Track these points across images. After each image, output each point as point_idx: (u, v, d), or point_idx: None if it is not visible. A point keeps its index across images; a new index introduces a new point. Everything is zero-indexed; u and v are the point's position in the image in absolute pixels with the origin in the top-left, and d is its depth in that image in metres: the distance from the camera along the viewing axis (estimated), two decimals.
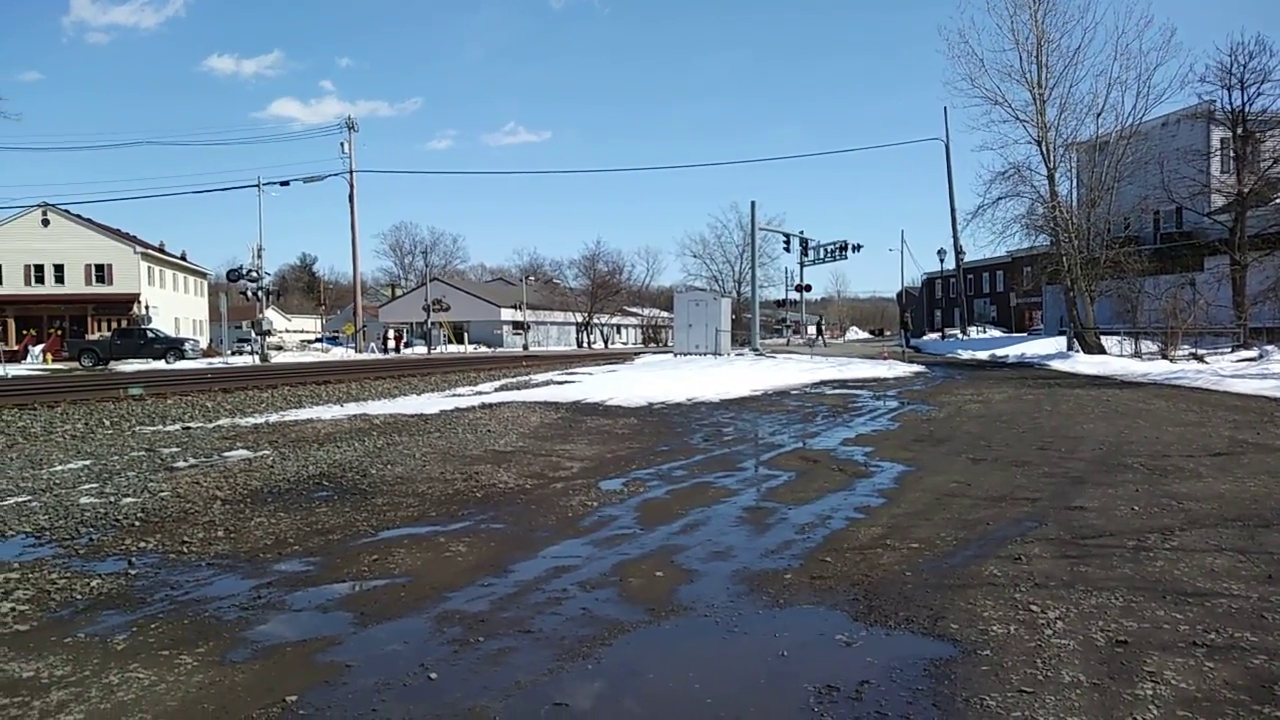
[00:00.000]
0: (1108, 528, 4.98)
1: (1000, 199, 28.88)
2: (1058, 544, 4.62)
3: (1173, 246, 33.13)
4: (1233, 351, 22.83)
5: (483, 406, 12.80)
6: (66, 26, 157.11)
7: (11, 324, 51.31)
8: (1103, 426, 9.88)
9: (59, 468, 7.44)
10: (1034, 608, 3.56)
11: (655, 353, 42.74)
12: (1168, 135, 29.55)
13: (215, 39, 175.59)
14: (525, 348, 71.06)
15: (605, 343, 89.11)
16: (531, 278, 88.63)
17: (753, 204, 38.19)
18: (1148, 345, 24.64)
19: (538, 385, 17.66)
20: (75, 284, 54.32)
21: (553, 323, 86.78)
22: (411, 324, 76.24)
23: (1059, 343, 30.34)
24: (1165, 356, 22.47)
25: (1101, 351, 25.87)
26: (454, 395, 15.39)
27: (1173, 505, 5.55)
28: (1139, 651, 3.08)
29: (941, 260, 57.38)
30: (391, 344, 61.76)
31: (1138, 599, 3.66)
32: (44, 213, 54.01)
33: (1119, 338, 26.60)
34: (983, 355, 32.49)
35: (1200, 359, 21.28)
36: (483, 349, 69.78)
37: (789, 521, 5.34)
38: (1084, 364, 22.98)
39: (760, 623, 3.52)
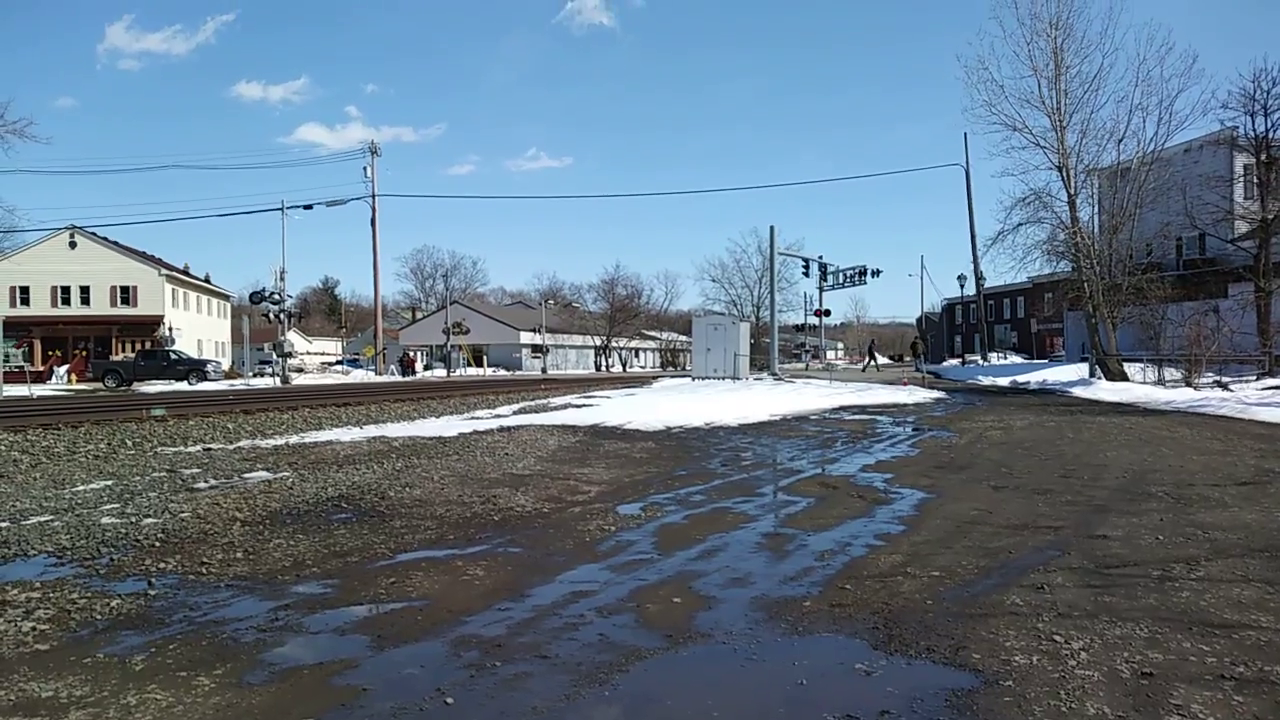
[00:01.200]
0: (1132, 557, 4.91)
1: (1021, 225, 28.68)
2: (1081, 573, 4.56)
3: (1196, 273, 32.85)
4: (1258, 379, 22.54)
5: (501, 429, 12.82)
6: (100, 54, 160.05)
7: (38, 345, 51.90)
8: (1126, 454, 9.77)
9: (81, 488, 7.50)
10: (1057, 638, 3.51)
11: (673, 376, 42.70)
12: (1190, 161, 29.36)
13: (244, 66, 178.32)
14: (544, 371, 71.22)
15: (623, 366, 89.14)
16: (551, 301, 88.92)
17: (772, 229, 38.28)
18: (1171, 372, 24.36)
19: (556, 409, 17.68)
20: (101, 306, 55.01)
21: (571, 346, 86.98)
22: (431, 347, 76.64)
23: (1081, 369, 30.03)
24: (1189, 384, 22.22)
25: (1124, 378, 25.61)
26: (472, 418, 15.42)
27: (1198, 535, 5.47)
28: (1165, 684, 3.03)
29: (962, 286, 57.15)
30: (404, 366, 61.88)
31: (1163, 630, 3.60)
32: (71, 235, 54.81)
33: (1142, 365, 26.31)
34: (1003, 381, 32.21)
35: (1225, 386, 21.04)
36: (502, 372, 69.99)
37: (808, 548, 5.30)
38: (1106, 391, 22.76)
39: (779, 650, 3.49)
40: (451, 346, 66.81)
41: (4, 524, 5.93)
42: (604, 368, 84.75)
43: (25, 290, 54.19)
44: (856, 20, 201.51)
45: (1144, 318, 28.51)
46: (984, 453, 10.25)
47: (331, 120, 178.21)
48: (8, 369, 31.19)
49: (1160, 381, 24.03)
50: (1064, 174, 26.89)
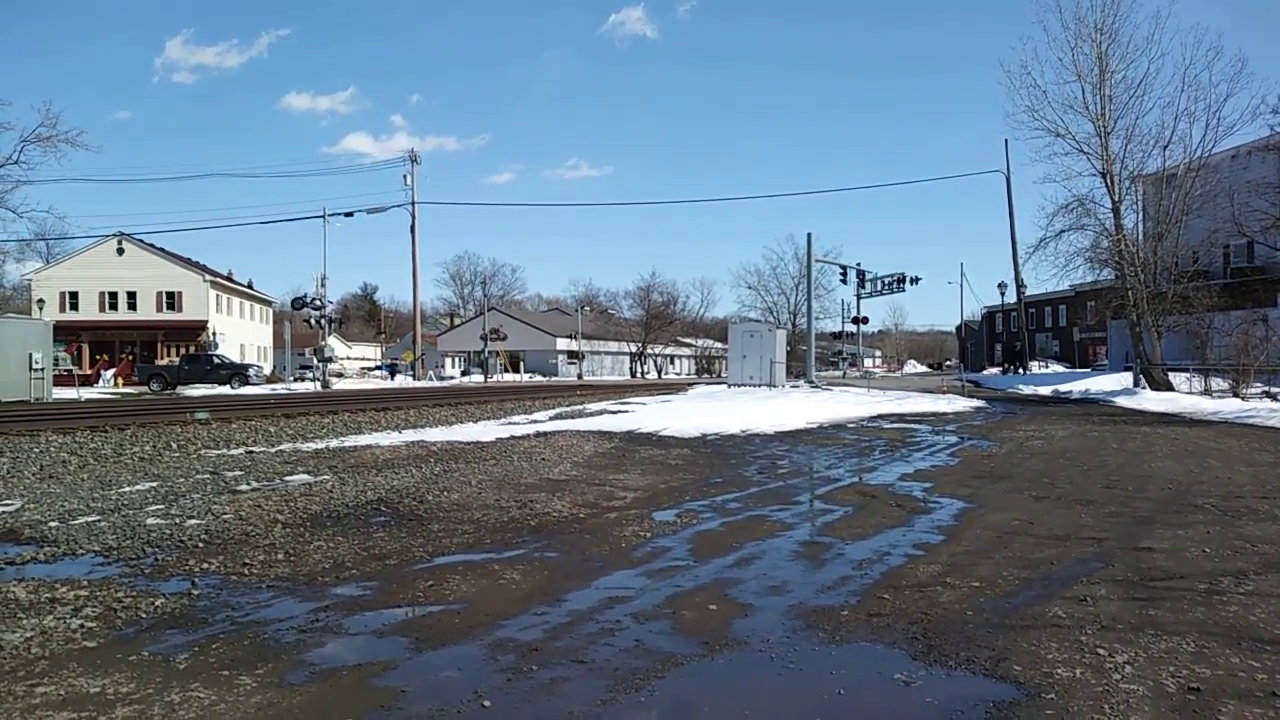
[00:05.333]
0: (1178, 570, 4.82)
1: (1063, 232, 28.30)
2: (1125, 585, 4.48)
3: (1244, 281, 32.15)
4: None
5: (537, 435, 12.87)
6: (158, 67, 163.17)
7: (86, 349, 53.06)
8: (1171, 465, 9.59)
9: (127, 489, 7.65)
10: (1101, 651, 3.45)
11: (709, 384, 42.61)
12: (1238, 167, 28.75)
13: (294, 77, 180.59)
14: (580, 377, 71.40)
15: (659, 373, 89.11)
16: (587, 308, 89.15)
17: (809, 235, 38.25)
18: (1218, 382, 23.89)
19: (591, 414, 17.72)
20: (147, 311, 56.16)
21: (607, 353, 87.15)
22: (469, 353, 77.21)
23: (1124, 379, 29.56)
24: (1236, 394, 21.77)
25: (1169, 388, 25.14)
26: (509, 423, 15.50)
27: (1246, 548, 5.35)
28: (1213, 700, 2.96)
29: (1002, 294, 56.47)
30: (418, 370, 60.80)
31: (1210, 644, 3.52)
32: (119, 242, 56.06)
33: (1187, 374, 25.81)
34: (1045, 391, 31.78)
35: (1274, 397, 20.57)
36: (538, 378, 70.25)
37: (846, 557, 5.26)
38: (1151, 401, 22.37)
39: (816, 659, 3.46)
40: (489, 353, 67.24)
41: (53, 523, 6.06)
42: (639, 374, 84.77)
43: (74, 295, 55.51)
44: (898, 37, 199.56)
45: (1190, 327, 27.92)
46: (1025, 462, 10.11)
47: (377, 130, 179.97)
48: (57, 372, 31.88)
49: (1206, 391, 23.57)
50: (1108, 180, 26.50)
